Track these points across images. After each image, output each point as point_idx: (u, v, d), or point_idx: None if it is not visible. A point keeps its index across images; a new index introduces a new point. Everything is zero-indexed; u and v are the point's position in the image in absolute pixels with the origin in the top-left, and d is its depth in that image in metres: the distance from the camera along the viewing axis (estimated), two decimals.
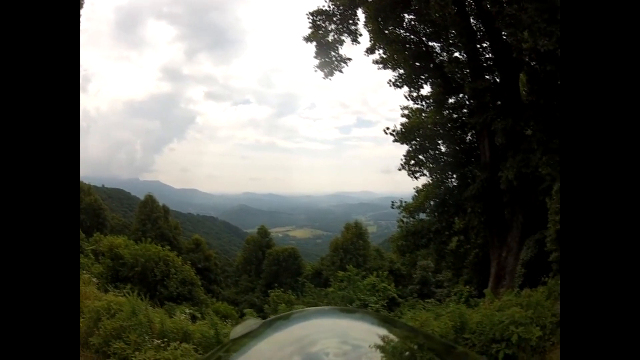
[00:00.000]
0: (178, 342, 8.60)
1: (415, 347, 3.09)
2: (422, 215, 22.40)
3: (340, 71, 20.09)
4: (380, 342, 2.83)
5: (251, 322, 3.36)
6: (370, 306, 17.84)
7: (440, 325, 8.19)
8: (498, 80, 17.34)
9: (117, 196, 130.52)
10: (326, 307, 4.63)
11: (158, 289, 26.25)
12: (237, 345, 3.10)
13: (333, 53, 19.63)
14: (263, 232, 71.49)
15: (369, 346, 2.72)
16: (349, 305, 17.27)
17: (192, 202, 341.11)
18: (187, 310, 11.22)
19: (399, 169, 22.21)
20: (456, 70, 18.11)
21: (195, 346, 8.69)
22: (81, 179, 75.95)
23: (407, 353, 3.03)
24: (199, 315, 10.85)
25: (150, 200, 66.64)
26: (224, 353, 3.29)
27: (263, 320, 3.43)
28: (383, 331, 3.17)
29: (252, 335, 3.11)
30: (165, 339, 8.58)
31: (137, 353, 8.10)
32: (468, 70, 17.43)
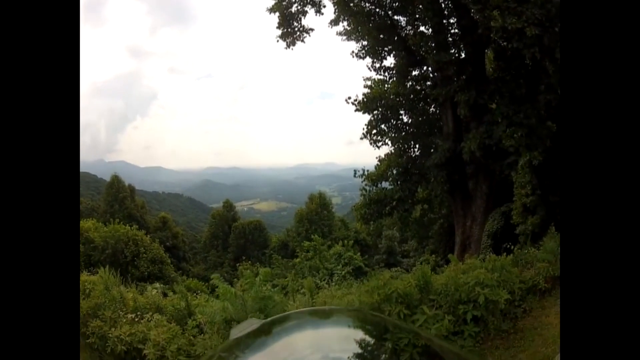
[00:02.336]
0: (151, 314, 8.79)
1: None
2: (386, 185, 22.42)
3: (303, 41, 19.93)
4: (360, 350, 2.92)
5: (251, 322, 3.45)
6: (337, 273, 18.09)
7: (404, 284, 8.31)
8: (464, 55, 17.46)
9: (84, 180, 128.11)
10: (306, 312, 4.65)
11: (129, 269, 26.12)
12: None
13: (296, 24, 19.44)
14: (228, 206, 71.21)
15: (348, 358, 2.77)
16: (316, 274, 17.48)
17: (157, 180, 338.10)
18: (158, 285, 11.33)
19: (361, 138, 21.95)
20: (421, 43, 18.02)
21: (167, 317, 8.83)
22: None
23: (384, 356, 3.01)
24: (170, 293, 11.00)
25: (116, 181, 65.83)
26: (224, 353, 3.35)
27: (263, 321, 3.50)
28: (364, 336, 3.29)
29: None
30: (139, 313, 8.76)
31: (113, 329, 8.29)
32: (433, 44, 17.45)
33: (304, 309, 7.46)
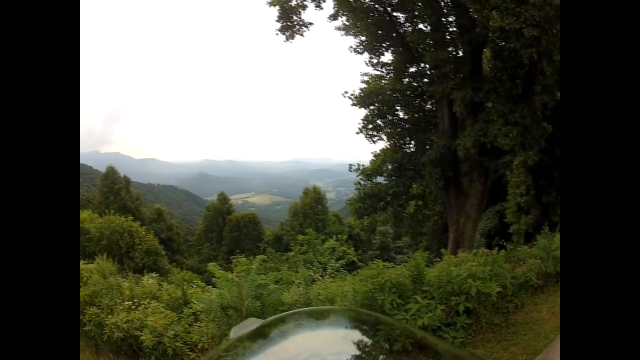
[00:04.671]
0: (148, 301, 8.85)
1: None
2: (381, 180, 22.41)
3: (302, 35, 19.98)
4: (357, 351, 2.98)
5: (250, 322, 3.53)
6: (330, 267, 18.13)
7: (397, 273, 8.35)
8: (461, 53, 17.51)
9: (80, 171, 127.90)
10: (304, 313, 4.67)
11: (124, 261, 26.12)
12: None
13: (295, 17, 19.48)
14: (223, 199, 70.86)
15: None
16: (311, 268, 17.51)
17: (152, 172, 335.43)
18: (154, 274, 11.39)
19: (357, 133, 21.99)
20: (419, 40, 18.10)
21: (163, 305, 8.91)
22: None
23: (381, 357, 3.09)
24: (165, 285, 11.04)
25: (111, 172, 65.54)
26: (224, 353, 3.36)
27: (262, 321, 3.56)
28: (361, 336, 3.39)
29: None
30: (136, 301, 8.81)
31: (109, 317, 8.34)
32: (431, 42, 17.47)
33: (302, 309, 7.49)
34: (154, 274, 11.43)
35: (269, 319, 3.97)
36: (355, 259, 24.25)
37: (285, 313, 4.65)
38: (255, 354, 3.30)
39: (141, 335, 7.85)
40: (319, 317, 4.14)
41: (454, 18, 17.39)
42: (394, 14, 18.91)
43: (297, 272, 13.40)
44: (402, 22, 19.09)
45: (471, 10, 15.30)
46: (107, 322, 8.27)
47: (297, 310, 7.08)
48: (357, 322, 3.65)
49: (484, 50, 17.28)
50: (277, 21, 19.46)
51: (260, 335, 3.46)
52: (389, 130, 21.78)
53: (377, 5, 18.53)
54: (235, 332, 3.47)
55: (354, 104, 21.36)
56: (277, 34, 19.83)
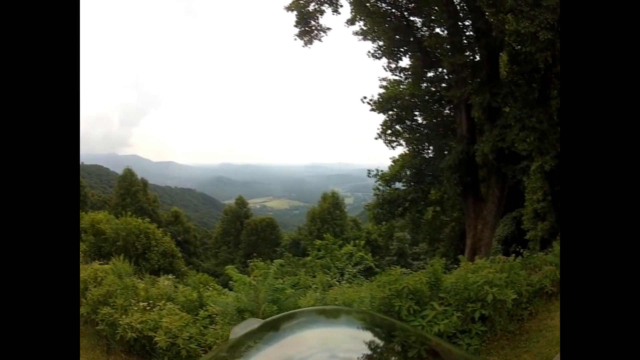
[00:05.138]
0: (163, 302, 8.85)
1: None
2: (399, 185, 22.36)
3: (320, 40, 20.01)
4: (369, 351, 2.90)
5: (250, 322, 3.50)
6: (347, 272, 18.09)
7: (415, 280, 8.33)
8: (478, 57, 17.35)
9: (96, 172, 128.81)
10: (314, 311, 4.57)
11: (140, 262, 26.21)
12: None
13: (313, 22, 19.48)
14: (241, 203, 71.16)
15: (358, 358, 2.74)
16: (328, 273, 17.47)
17: (170, 175, 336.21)
18: (170, 276, 11.41)
19: (376, 138, 21.92)
20: (436, 45, 18.01)
21: (179, 306, 8.91)
22: None
23: (393, 359, 3.03)
24: (181, 286, 11.05)
25: (129, 174, 66.04)
26: (224, 353, 3.35)
27: (263, 321, 3.52)
28: (374, 338, 3.27)
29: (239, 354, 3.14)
30: (151, 302, 8.82)
31: (123, 317, 8.35)
32: (448, 46, 17.41)
33: (313, 307, 7.47)
34: (170, 276, 11.46)
35: (277, 315, 3.90)
36: (372, 264, 24.10)
37: (295, 310, 4.59)
38: (265, 346, 3.26)
39: (155, 336, 7.85)
40: (330, 316, 4.08)
41: (470, 22, 17.28)
42: (411, 18, 18.85)
43: (314, 276, 13.37)
44: (419, 26, 19.04)
45: (487, 14, 15.28)
46: (120, 322, 8.28)
47: (308, 308, 7.03)
48: (371, 324, 3.54)
49: (501, 54, 17.23)
50: (295, 26, 19.48)
51: (271, 328, 3.43)
52: (407, 136, 21.74)
53: (394, 10, 18.50)
54: (235, 333, 3.43)
55: (372, 109, 21.31)
56: (295, 39, 19.87)
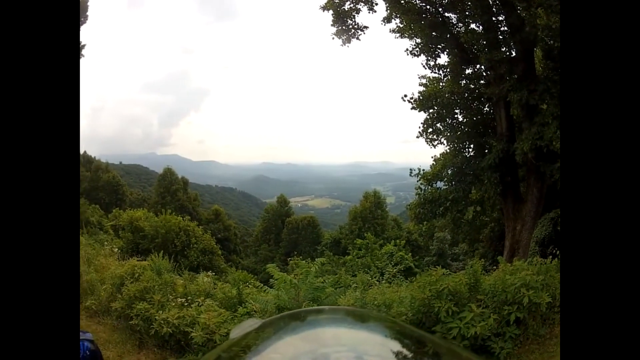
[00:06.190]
0: (202, 299, 8.96)
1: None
2: (440, 184, 22.22)
3: (358, 39, 20.05)
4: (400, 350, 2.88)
5: (250, 322, 3.44)
6: (387, 272, 18.00)
7: (455, 281, 8.31)
8: (514, 53, 17.19)
9: (135, 172, 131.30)
10: (342, 311, 4.51)
11: (178, 259, 26.56)
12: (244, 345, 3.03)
13: (350, 21, 19.52)
14: (282, 201, 71.65)
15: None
16: (368, 272, 17.41)
17: (210, 174, 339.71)
18: (210, 273, 11.50)
19: (417, 137, 21.82)
20: (472, 41, 18.01)
21: (217, 303, 9.00)
22: (98, 157, 77.22)
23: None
24: (219, 284, 11.11)
25: (169, 173, 67.23)
26: (224, 353, 3.18)
27: (263, 321, 3.43)
28: (402, 348, 3.11)
29: (262, 337, 3.11)
30: (189, 298, 8.95)
31: (160, 312, 8.48)
32: (484, 42, 17.27)
33: (341, 306, 7.43)
34: (209, 273, 11.54)
35: (304, 308, 3.85)
36: (412, 264, 24.07)
37: (322, 307, 4.51)
38: (289, 334, 3.20)
39: (192, 331, 7.94)
40: (359, 318, 3.99)
41: (504, 17, 17.13)
42: (446, 14, 18.78)
43: (354, 275, 13.35)
44: (455, 22, 18.95)
45: (519, 8, 15.01)
46: (156, 317, 8.39)
47: (336, 306, 6.98)
48: (401, 334, 3.38)
49: (535, 49, 16.98)
50: (332, 25, 19.50)
51: (297, 318, 3.42)
52: (448, 134, 21.47)
53: (428, 6, 18.38)
54: (236, 333, 3.35)
55: (413, 108, 21.18)
56: (333, 38, 19.89)
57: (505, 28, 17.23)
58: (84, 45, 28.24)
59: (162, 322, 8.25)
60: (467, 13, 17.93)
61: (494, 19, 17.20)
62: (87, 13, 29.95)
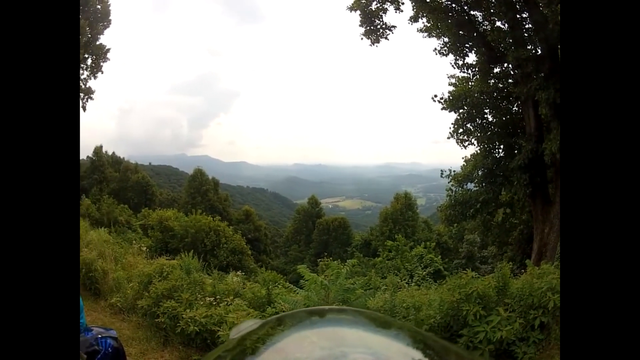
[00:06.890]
0: (231, 298, 9.01)
1: None
2: (470, 186, 22.07)
3: (386, 38, 20.08)
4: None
5: (250, 323, 3.39)
6: (417, 274, 17.93)
7: (485, 284, 8.29)
8: (540, 51, 17.00)
9: (165, 172, 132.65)
10: (364, 314, 4.43)
11: (208, 258, 26.73)
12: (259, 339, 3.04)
13: (377, 21, 19.59)
14: (313, 202, 71.75)
15: None
16: (398, 274, 17.31)
17: (241, 175, 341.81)
18: (239, 273, 11.54)
19: (448, 137, 21.74)
20: (499, 39, 17.94)
21: (246, 303, 9.03)
22: (127, 158, 78.07)
23: None
24: (248, 284, 11.16)
25: (199, 174, 67.59)
26: (224, 353, 3.22)
27: (263, 321, 3.41)
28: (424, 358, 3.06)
29: (278, 330, 3.06)
30: (218, 297, 8.98)
31: (187, 311, 8.54)
32: (511, 40, 17.15)
33: (362, 309, 7.35)
34: (238, 272, 11.58)
35: (326, 306, 3.79)
36: (441, 267, 24.01)
37: (344, 307, 4.45)
38: (308, 327, 3.12)
39: (219, 330, 7.97)
40: (381, 325, 3.91)
41: (527, 14, 17.02)
42: (472, 12, 18.74)
43: (384, 277, 13.30)
44: (481, 20, 18.92)
45: (541, 5, 14.90)
46: (183, 315, 8.45)
47: (359, 309, 6.94)
48: (424, 345, 3.34)
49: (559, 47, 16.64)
50: (360, 25, 19.53)
51: (317, 314, 3.30)
52: (478, 134, 21.33)
53: (454, 4, 18.30)
54: (235, 334, 3.31)
55: (443, 108, 21.07)
56: (362, 39, 19.92)
57: (530, 25, 17.09)
58: (108, 49, 28.92)
59: (189, 320, 8.30)
60: (492, 11, 17.85)
61: (518, 16, 17.11)
62: (110, 17, 30.61)
